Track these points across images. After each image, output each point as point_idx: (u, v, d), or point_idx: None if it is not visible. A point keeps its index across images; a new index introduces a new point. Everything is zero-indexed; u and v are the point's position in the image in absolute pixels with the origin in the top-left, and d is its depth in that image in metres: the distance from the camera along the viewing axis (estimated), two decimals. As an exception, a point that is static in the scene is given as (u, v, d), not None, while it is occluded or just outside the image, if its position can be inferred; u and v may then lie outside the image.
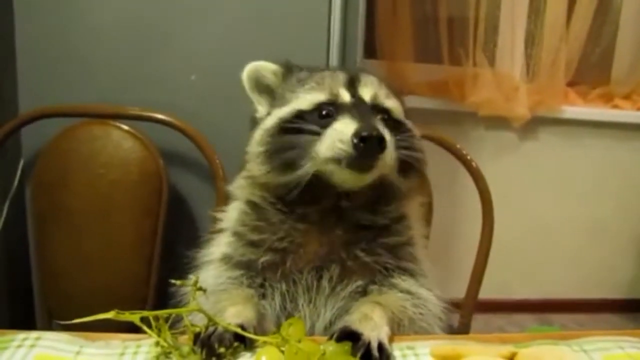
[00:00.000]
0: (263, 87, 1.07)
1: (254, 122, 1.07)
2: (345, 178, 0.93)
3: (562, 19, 3.05)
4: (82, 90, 1.81)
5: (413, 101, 2.91)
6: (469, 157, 1.66)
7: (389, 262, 1.00)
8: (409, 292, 1.00)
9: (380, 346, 0.84)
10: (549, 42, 3.08)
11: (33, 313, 1.90)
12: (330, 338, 0.84)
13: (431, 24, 3.09)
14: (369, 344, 0.82)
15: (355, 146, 0.87)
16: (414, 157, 0.98)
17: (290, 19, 1.83)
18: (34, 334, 0.90)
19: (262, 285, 0.99)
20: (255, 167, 1.01)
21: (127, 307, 0.86)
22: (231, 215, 1.08)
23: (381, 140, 0.88)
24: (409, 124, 1.04)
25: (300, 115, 0.97)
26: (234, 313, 0.91)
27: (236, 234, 1.04)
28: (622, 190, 3.34)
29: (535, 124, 3.19)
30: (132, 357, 0.85)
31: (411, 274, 1.02)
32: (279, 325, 0.86)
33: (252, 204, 1.04)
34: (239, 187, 1.09)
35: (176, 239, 1.84)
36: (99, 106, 1.76)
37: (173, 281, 0.88)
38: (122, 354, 0.86)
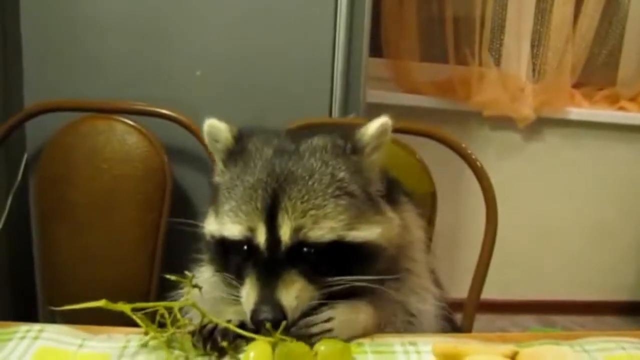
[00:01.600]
0: (216, 149, 1.03)
1: (212, 183, 1.07)
2: None
3: (569, 20, 3.03)
4: (87, 85, 1.81)
5: (418, 100, 2.94)
6: (473, 157, 1.65)
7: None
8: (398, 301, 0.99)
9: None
10: (555, 43, 3.07)
11: (36, 308, 1.91)
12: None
13: (437, 23, 3.08)
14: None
15: (255, 326, 0.85)
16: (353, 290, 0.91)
17: (297, 16, 1.83)
18: (36, 327, 0.90)
19: None
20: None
21: (130, 302, 0.86)
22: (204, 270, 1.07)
23: (276, 321, 0.83)
24: (352, 237, 0.90)
25: (224, 241, 0.94)
26: (235, 311, 0.91)
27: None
28: (626, 192, 3.33)
29: (541, 124, 3.18)
30: (135, 350, 0.86)
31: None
32: None
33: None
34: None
35: (179, 235, 1.84)
36: (103, 101, 1.77)
37: (168, 276, 0.88)
38: (125, 347, 0.86)
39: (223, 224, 0.93)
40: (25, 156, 1.84)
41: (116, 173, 1.72)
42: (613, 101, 3.27)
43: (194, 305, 0.86)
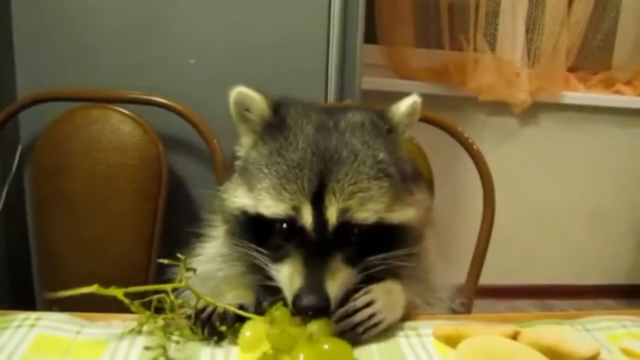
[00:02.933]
0: (247, 118, 0.98)
1: (234, 157, 1.03)
2: None
3: (563, 4, 3.03)
4: (81, 74, 1.79)
5: (414, 87, 2.93)
6: (470, 141, 1.65)
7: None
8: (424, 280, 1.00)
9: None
10: (550, 28, 3.07)
11: (33, 298, 1.90)
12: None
13: (432, 9, 3.07)
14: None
15: (295, 309, 0.84)
16: (385, 271, 0.92)
17: (291, 3, 1.82)
18: (34, 315, 0.90)
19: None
20: (227, 227, 1.01)
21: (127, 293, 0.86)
22: (216, 239, 1.06)
23: (320, 309, 0.83)
24: (391, 219, 0.91)
25: (260, 218, 0.90)
26: (234, 295, 0.91)
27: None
28: (623, 176, 3.34)
29: (536, 109, 3.18)
30: (133, 337, 0.85)
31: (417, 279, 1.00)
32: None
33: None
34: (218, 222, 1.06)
35: (176, 223, 1.83)
36: (97, 90, 1.75)
37: (161, 260, 0.88)
38: (123, 334, 0.86)
39: (261, 201, 0.90)
40: (20, 147, 1.83)
41: (111, 162, 1.71)
42: (608, 85, 3.28)
43: (187, 286, 0.86)
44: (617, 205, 3.38)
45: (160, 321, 0.86)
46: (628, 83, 3.27)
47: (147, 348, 0.80)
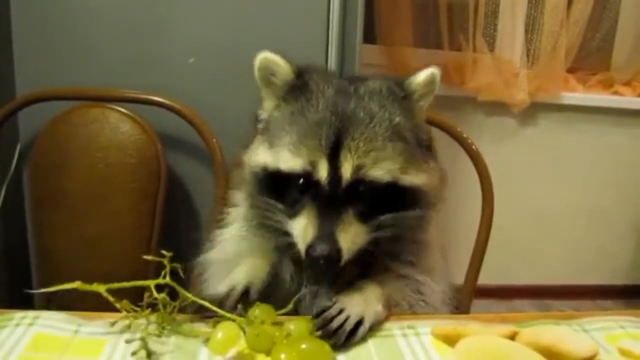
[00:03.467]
0: (271, 83, 1.02)
1: (256, 120, 1.06)
2: None
3: (563, 5, 3.03)
4: (80, 73, 1.79)
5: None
6: (469, 141, 1.65)
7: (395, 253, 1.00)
8: (408, 277, 1.00)
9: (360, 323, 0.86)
10: (549, 28, 3.07)
11: (32, 297, 1.90)
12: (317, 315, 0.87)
13: (431, 9, 3.07)
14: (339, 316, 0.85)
15: (307, 259, 0.88)
16: (396, 233, 0.94)
17: (290, 3, 1.82)
18: (32, 313, 0.89)
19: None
20: (247, 187, 1.04)
21: (125, 289, 0.86)
22: (239, 207, 1.09)
23: (332, 260, 0.87)
24: (405, 181, 0.94)
25: (280, 173, 0.95)
26: (245, 271, 0.93)
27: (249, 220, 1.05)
28: (621, 176, 3.34)
29: (535, 109, 3.18)
30: (130, 336, 0.85)
31: (414, 265, 1.01)
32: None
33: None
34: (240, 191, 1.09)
35: (175, 222, 1.83)
36: (96, 89, 1.75)
37: (145, 256, 0.90)
38: (121, 333, 0.86)
39: (280, 156, 0.94)
40: (19, 145, 1.83)
41: (110, 161, 1.71)
42: (607, 85, 3.28)
43: (171, 283, 0.87)
44: (616, 206, 3.38)
45: (152, 318, 0.86)
46: (627, 84, 3.28)
47: (128, 342, 0.82)
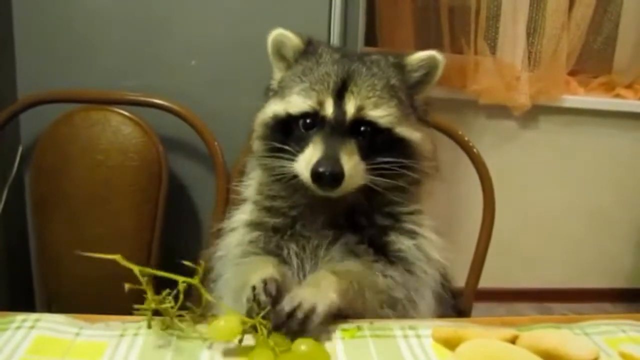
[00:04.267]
0: (282, 56, 1.13)
1: (267, 90, 1.16)
2: (316, 191, 1.00)
3: (564, 8, 3.02)
4: (81, 75, 1.80)
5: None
6: (470, 144, 1.65)
7: (390, 224, 1.06)
8: (398, 256, 1.04)
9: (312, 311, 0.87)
10: (551, 31, 3.07)
11: (33, 299, 1.90)
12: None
13: (432, 12, 3.08)
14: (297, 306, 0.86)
15: (313, 179, 0.97)
16: (392, 171, 1.01)
17: (292, 5, 1.82)
18: (33, 316, 0.89)
19: (278, 246, 1.07)
20: (255, 146, 1.13)
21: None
22: (251, 184, 1.15)
23: (335, 177, 0.95)
24: (400, 131, 1.04)
25: (288, 118, 1.05)
26: (259, 274, 0.94)
27: (254, 202, 1.13)
28: (622, 179, 3.34)
29: (536, 112, 3.18)
30: (132, 338, 0.85)
31: (411, 235, 1.06)
32: None
33: (268, 175, 1.10)
34: (252, 164, 1.17)
35: (176, 224, 1.83)
36: (97, 91, 1.75)
37: (184, 262, 0.89)
38: (122, 336, 0.86)
39: (290, 102, 1.05)
40: (21, 148, 1.83)
41: (111, 164, 1.71)
42: (609, 88, 3.28)
43: (197, 285, 0.87)
44: (617, 209, 3.37)
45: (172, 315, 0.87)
46: (628, 87, 3.27)
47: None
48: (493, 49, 3.11)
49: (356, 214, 1.06)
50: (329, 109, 1.01)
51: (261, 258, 1.04)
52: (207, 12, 1.80)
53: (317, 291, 0.90)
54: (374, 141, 1.02)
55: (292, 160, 1.01)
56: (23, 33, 1.78)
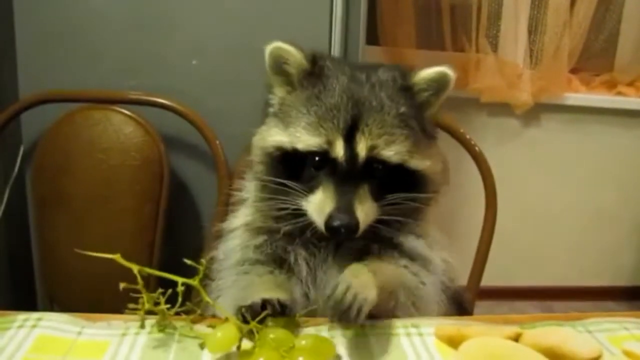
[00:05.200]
0: (283, 71, 1.06)
1: (267, 106, 1.10)
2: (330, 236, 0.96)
3: (566, 6, 3.02)
4: (82, 75, 1.80)
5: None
6: (472, 142, 1.65)
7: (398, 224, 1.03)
8: (414, 254, 1.03)
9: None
10: (553, 29, 3.06)
11: (35, 298, 1.90)
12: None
13: (434, 10, 3.07)
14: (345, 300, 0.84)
15: (327, 231, 0.93)
16: (406, 205, 1.00)
17: (293, 4, 1.82)
18: (35, 315, 0.89)
19: (285, 251, 1.03)
20: (257, 168, 1.07)
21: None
22: (250, 186, 1.12)
23: (351, 230, 0.92)
24: (412, 165, 1.01)
25: (295, 152, 1.00)
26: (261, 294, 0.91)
27: (255, 207, 1.08)
28: (625, 177, 3.33)
29: (538, 110, 3.17)
30: (134, 337, 0.85)
31: (418, 234, 1.04)
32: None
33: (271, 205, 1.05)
34: (249, 177, 1.12)
35: (178, 223, 1.83)
36: (99, 91, 1.75)
37: (185, 260, 0.89)
38: (124, 335, 0.86)
39: (297, 137, 0.99)
40: (22, 147, 1.83)
41: (113, 163, 1.71)
42: (611, 86, 3.27)
43: (197, 286, 0.86)
44: (619, 207, 3.37)
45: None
46: (630, 84, 3.27)
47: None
48: (495, 47, 3.11)
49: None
50: (339, 150, 0.96)
51: (266, 276, 1.01)
52: (208, 11, 1.80)
53: (362, 285, 0.88)
54: (385, 178, 0.99)
55: (301, 196, 0.97)
56: (24, 32, 1.78)
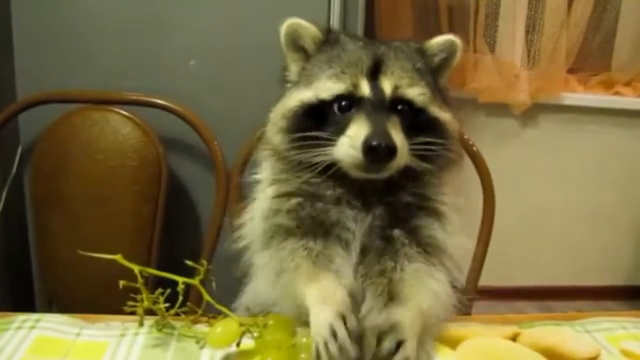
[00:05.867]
0: (298, 47, 1.06)
1: (283, 82, 1.09)
2: (358, 175, 0.94)
3: (563, 6, 3.02)
4: (81, 75, 1.79)
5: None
6: (470, 142, 1.65)
7: (417, 203, 1.00)
8: (430, 245, 0.98)
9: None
10: (550, 29, 3.06)
11: (33, 299, 1.90)
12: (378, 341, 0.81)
13: (432, 10, 3.07)
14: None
15: (365, 153, 0.90)
16: (430, 152, 0.97)
17: (291, 5, 1.81)
18: (34, 316, 0.89)
19: (325, 213, 0.96)
20: (275, 139, 1.03)
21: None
22: (266, 167, 1.07)
23: (390, 150, 0.90)
24: (433, 111, 1.00)
25: (320, 104, 0.98)
26: (324, 297, 0.86)
27: (276, 181, 1.03)
28: (622, 177, 3.34)
29: (536, 110, 3.18)
30: (132, 338, 0.85)
31: (437, 217, 1.01)
32: None
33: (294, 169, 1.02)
34: (264, 157, 1.08)
35: (176, 224, 1.83)
36: (97, 92, 1.75)
37: (187, 262, 0.89)
38: (122, 335, 0.86)
39: (321, 88, 0.98)
40: (20, 148, 1.83)
41: (111, 164, 1.71)
42: (608, 86, 3.27)
43: (197, 286, 0.86)
44: (617, 207, 3.37)
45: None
46: (628, 84, 3.27)
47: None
48: (492, 47, 3.11)
49: (386, 191, 0.98)
50: (365, 90, 0.96)
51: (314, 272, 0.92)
52: (206, 12, 1.80)
53: (414, 328, 0.84)
54: (411, 121, 0.97)
55: (328, 146, 0.94)
56: (22, 33, 1.78)
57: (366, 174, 0.93)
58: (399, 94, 0.97)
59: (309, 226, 0.96)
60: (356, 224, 0.96)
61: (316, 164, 0.95)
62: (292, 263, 0.92)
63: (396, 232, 0.96)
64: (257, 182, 1.06)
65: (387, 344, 0.79)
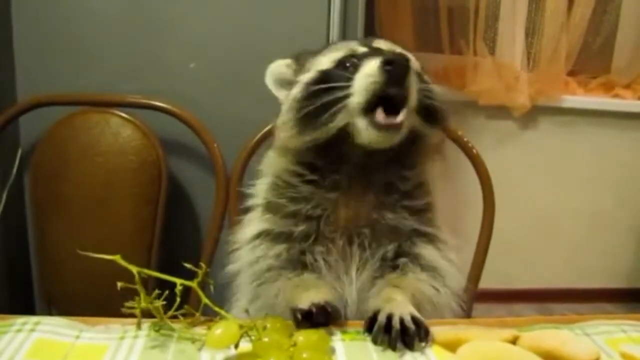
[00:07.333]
0: (285, 83, 1.06)
1: (281, 83, 1.10)
2: (372, 137, 0.92)
3: (563, 8, 3.03)
4: (80, 78, 1.80)
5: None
6: (470, 145, 1.65)
7: (411, 225, 1.01)
8: (430, 267, 1.01)
9: (415, 320, 0.86)
10: (550, 31, 3.07)
11: (33, 301, 1.90)
12: (369, 326, 0.88)
13: (432, 12, 3.08)
14: (390, 319, 0.85)
15: (384, 72, 0.89)
16: (435, 103, 0.99)
17: (290, 6, 1.82)
18: (33, 319, 0.89)
19: (302, 253, 1.00)
20: (284, 132, 1.02)
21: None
22: (261, 189, 1.08)
23: (406, 60, 0.90)
24: (427, 79, 1.03)
25: (323, 76, 0.97)
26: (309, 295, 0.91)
27: (270, 206, 1.04)
28: (622, 179, 3.34)
29: (536, 113, 3.18)
30: (132, 341, 0.85)
31: (431, 239, 1.03)
32: None
33: (281, 178, 1.04)
34: (268, 163, 1.09)
35: (176, 227, 1.83)
36: (97, 94, 1.75)
37: (185, 264, 0.89)
38: (122, 338, 0.85)
39: (318, 64, 1.00)
40: (20, 151, 1.83)
41: (111, 166, 1.71)
42: (608, 89, 3.28)
43: (196, 288, 0.86)
44: (617, 209, 3.37)
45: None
46: (627, 87, 3.27)
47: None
48: (492, 50, 3.11)
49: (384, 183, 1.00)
50: (363, 49, 0.99)
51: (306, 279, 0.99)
52: (206, 14, 1.80)
53: (400, 304, 0.89)
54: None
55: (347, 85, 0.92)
56: (22, 35, 1.78)
57: (380, 135, 0.91)
58: (395, 52, 0.97)
59: (293, 266, 1.00)
60: (330, 259, 1.00)
61: (323, 146, 0.96)
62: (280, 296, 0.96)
63: (390, 248, 1.00)
64: (253, 202, 1.08)
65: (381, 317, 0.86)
